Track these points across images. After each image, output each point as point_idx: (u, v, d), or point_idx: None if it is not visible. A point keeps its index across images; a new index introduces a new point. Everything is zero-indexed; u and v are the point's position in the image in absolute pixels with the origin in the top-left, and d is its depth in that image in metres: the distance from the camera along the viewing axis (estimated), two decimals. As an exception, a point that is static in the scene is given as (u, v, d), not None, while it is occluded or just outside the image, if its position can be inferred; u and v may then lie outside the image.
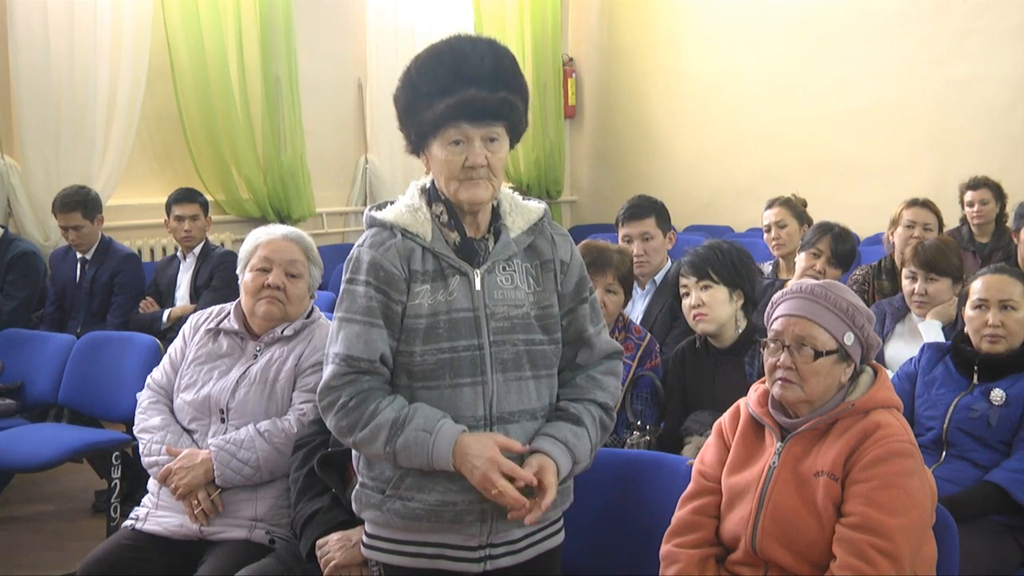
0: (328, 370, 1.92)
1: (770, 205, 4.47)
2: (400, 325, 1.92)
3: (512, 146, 1.99)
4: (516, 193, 2.06)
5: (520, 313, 1.96)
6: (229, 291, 4.52)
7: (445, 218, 1.97)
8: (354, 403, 1.89)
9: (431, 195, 2.00)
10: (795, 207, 4.42)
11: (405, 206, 1.98)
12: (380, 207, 2.02)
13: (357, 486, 2.02)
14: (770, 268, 4.39)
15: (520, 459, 1.92)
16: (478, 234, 1.99)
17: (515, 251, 2.00)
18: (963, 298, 2.96)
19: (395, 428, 1.86)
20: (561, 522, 2.11)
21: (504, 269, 1.98)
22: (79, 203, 4.83)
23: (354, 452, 2.05)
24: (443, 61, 1.89)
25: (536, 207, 2.06)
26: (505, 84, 1.91)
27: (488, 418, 1.93)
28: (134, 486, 4.11)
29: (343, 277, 1.97)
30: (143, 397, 2.82)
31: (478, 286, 1.94)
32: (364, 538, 2.05)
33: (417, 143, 1.96)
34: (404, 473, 1.93)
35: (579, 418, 2.01)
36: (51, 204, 4.94)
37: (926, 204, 4.32)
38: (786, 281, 4.08)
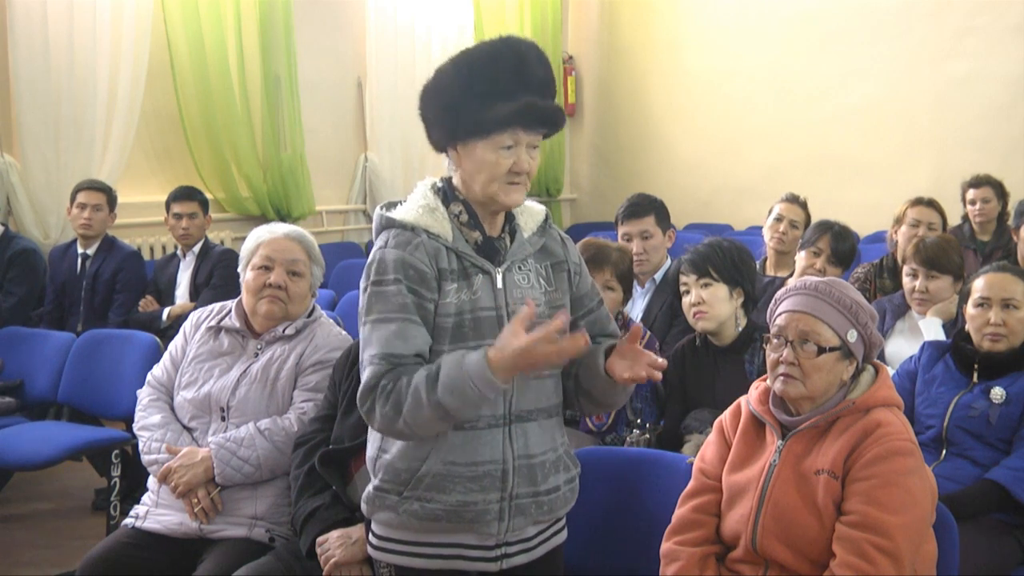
0: (367, 372, 1.87)
1: (792, 200, 4.38)
2: (432, 324, 1.90)
3: None
4: None
5: (538, 312, 1.96)
6: (229, 289, 4.52)
7: (465, 217, 1.96)
8: (391, 385, 1.83)
9: (447, 194, 1.98)
10: (808, 214, 4.37)
11: (420, 207, 1.95)
12: (391, 207, 2.00)
13: (370, 489, 1.99)
14: (758, 263, 4.37)
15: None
16: (495, 234, 1.99)
17: (530, 251, 2.01)
18: (964, 296, 2.95)
19: (430, 382, 1.81)
20: (564, 519, 2.12)
21: (520, 268, 1.99)
22: (105, 189, 4.94)
23: (370, 454, 2.01)
24: (504, 63, 1.87)
25: (539, 208, 2.09)
26: (552, 92, 1.93)
27: (508, 416, 1.94)
28: (134, 484, 4.10)
29: (365, 282, 1.92)
30: (143, 394, 2.82)
31: (500, 285, 1.95)
32: (373, 540, 2.02)
33: (454, 139, 1.93)
34: (423, 474, 1.91)
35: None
36: (71, 190, 4.99)
37: (931, 203, 4.32)
38: (779, 278, 4.08)
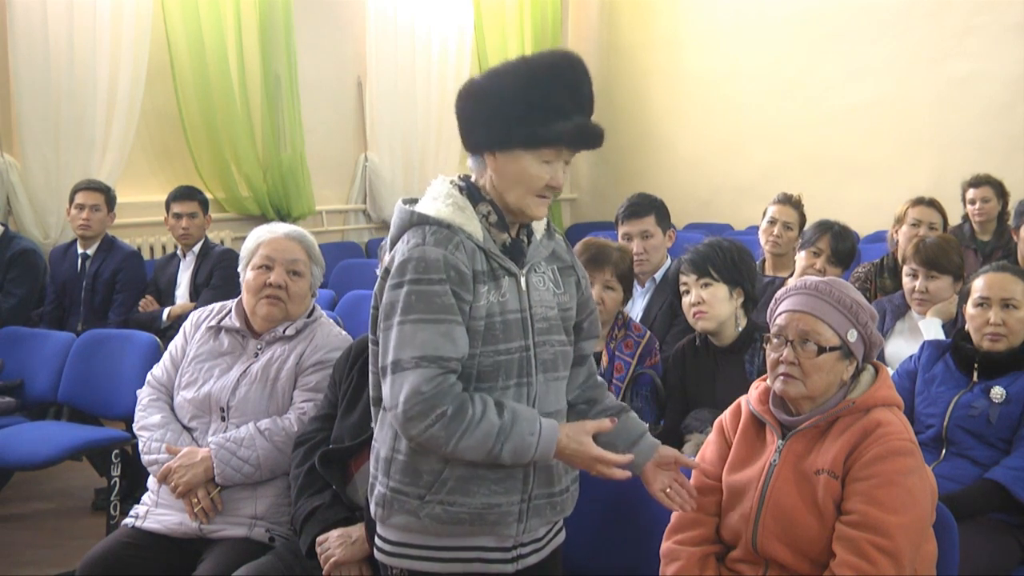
0: (414, 375, 1.79)
1: (784, 201, 4.34)
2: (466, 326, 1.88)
3: None
4: None
5: (553, 314, 1.99)
6: (229, 289, 4.52)
7: (494, 218, 1.93)
8: (452, 411, 1.79)
9: (472, 194, 1.94)
10: (802, 213, 4.35)
11: (449, 205, 1.91)
12: (411, 204, 1.95)
13: (383, 492, 1.94)
14: (758, 263, 4.36)
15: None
16: (514, 236, 1.99)
17: (544, 254, 2.02)
18: (964, 296, 2.95)
19: (501, 435, 1.81)
20: (563, 519, 2.13)
21: (536, 271, 1.99)
22: (103, 189, 4.93)
23: (383, 454, 1.96)
24: (564, 80, 1.87)
25: None
26: (593, 111, 1.93)
27: None
28: (134, 484, 4.11)
29: (397, 279, 1.84)
30: (143, 394, 2.82)
31: (523, 287, 1.94)
32: (385, 546, 1.97)
33: (499, 145, 1.90)
34: (447, 477, 1.88)
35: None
36: (70, 190, 4.99)
37: (932, 203, 4.32)
38: (779, 278, 4.08)
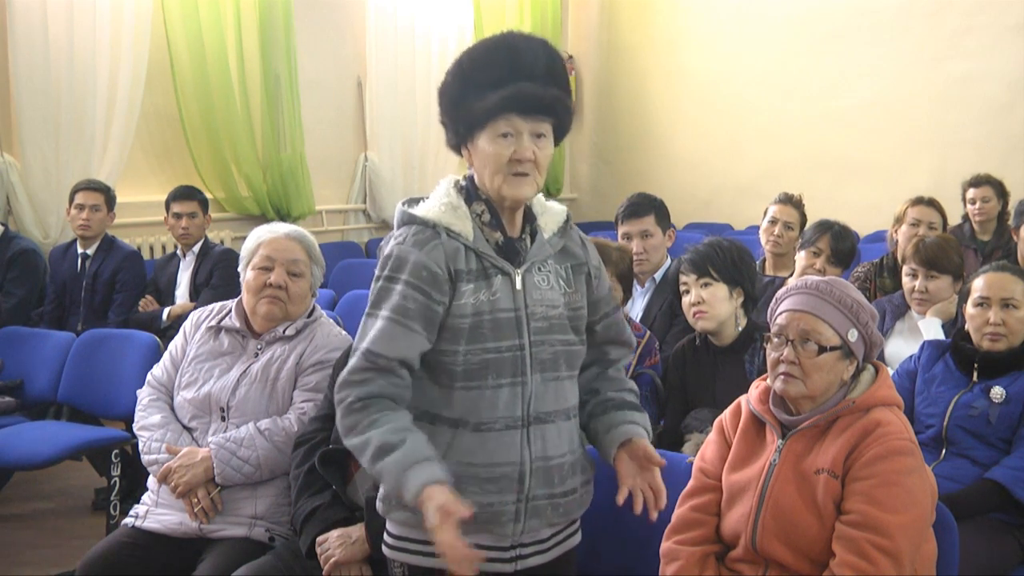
0: (350, 362, 1.88)
1: (785, 201, 4.34)
2: (442, 326, 1.89)
3: (555, 146, 1.99)
4: (539, 193, 2.04)
5: (557, 314, 1.97)
6: (229, 289, 4.52)
7: (487, 217, 1.95)
8: (359, 405, 1.84)
9: (469, 193, 1.96)
10: (803, 213, 4.36)
11: (443, 204, 1.94)
12: (412, 203, 1.98)
13: (386, 488, 1.97)
14: (758, 263, 4.36)
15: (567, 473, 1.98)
16: (514, 234, 1.98)
17: (550, 252, 2.00)
18: (964, 296, 2.96)
19: (380, 453, 1.80)
20: (578, 521, 2.12)
21: (540, 270, 1.97)
22: (103, 189, 4.93)
23: None
24: (498, 55, 1.88)
25: (560, 208, 2.08)
26: (555, 82, 1.91)
27: (526, 419, 1.92)
28: (134, 484, 4.11)
29: (378, 272, 1.91)
30: (143, 394, 2.82)
31: (519, 286, 1.93)
32: (389, 539, 2.00)
33: (462, 136, 1.93)
34: None
35: (639, 405, 2.12)
36: (70, 189, 4.99)
37: (931, 203, 4.32)
38: (779, 278, 4.08)
